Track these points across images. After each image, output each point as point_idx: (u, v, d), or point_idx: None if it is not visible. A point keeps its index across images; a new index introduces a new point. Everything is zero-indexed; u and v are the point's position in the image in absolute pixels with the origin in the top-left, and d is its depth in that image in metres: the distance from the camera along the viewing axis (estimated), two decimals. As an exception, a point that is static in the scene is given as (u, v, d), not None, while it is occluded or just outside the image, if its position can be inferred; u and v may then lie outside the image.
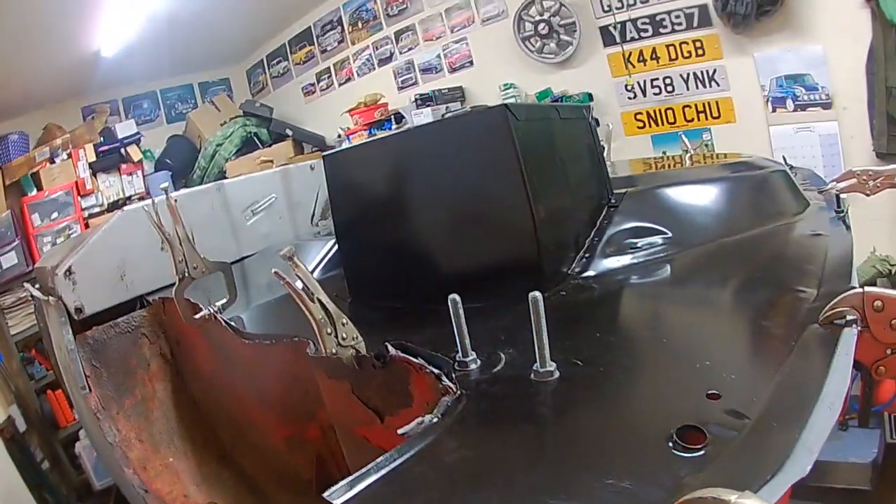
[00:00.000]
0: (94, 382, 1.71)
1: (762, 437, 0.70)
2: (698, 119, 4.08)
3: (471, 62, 4.71)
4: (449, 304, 0.91)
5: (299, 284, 0.93)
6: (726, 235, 1.45)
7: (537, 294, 0.84)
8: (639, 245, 1.40)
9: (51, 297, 1.75)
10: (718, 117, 4.01)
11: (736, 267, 1.36)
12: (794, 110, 3.70)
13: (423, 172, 1.37)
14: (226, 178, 5.11)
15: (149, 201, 1.61)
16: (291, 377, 1.34)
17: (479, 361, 0.93)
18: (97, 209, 4.99)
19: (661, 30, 4.02)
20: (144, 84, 5.91)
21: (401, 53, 5.02)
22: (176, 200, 1.44)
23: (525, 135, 1.24)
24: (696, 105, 4.07)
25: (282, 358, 1.33)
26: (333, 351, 0.96)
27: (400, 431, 0.78)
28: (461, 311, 0.91)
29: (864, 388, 1.06)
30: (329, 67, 5.56)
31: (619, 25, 4.08)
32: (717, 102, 3.99)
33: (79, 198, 4.92)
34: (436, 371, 0.85)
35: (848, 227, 1.50)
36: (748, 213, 1.56)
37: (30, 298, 4.38)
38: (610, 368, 0.93)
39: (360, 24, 5.24)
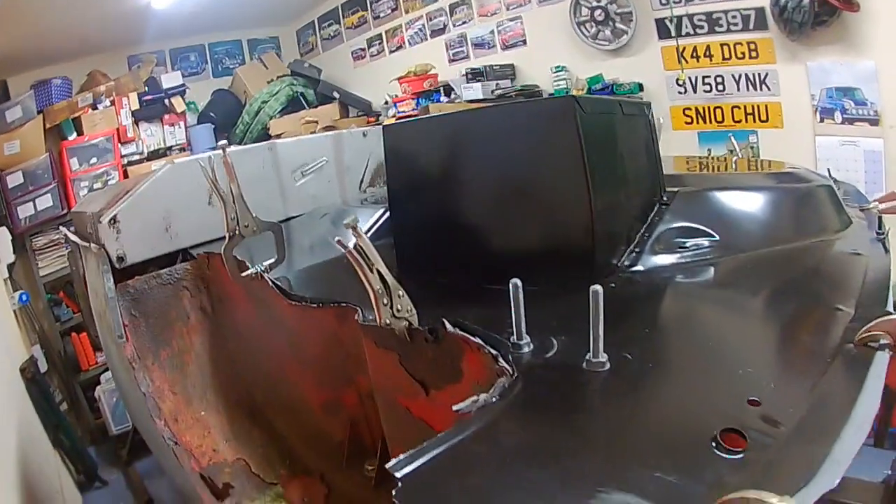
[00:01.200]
0: (131, 332, 1.73)
1: (796, 446, 0.72)
2: (746, 121, 4.03)
3: (524, 41, 4.67)
4: (510, 287, 0.92)
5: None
6: (770, 245, 1.45)
7: (598, 288, 0.85)
8: (686, 245, 1.40)
9: (92, 244, 1.76)
10: (766, 121, 3.96)
11: (778, 278, 1.36)
12: (842, 123, 3.64)
13: (483, 153, 1.38)
14: (269, 135, 5.13)
15: (204, 155, 1.62)
16: (334, 341, 1.36)
17: (532, 345, 0.94)
18: (137, 157, 5.02)
19: (717, 28, 3.97)
20: (192, 37, 5.90)
21: (454, 26, 4.99)
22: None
23: (589, 127, 1.24)
24: (745, 107, 4.02)
25: (326, 321, 1.35)
26: (387, 321, 0.97)
27: (455, 408, 0.80)
28: (521, 296, 0.92)
29: (884, 410, 1.07)
30: (381, 34, 5.53)
31: (675, 19, 4.03)
32: (766, 106, 3.94)
33: (119, 145, 4.94)
34: (493, 352, 0.87)
35: (887, 250, 1.49)
36: (792, 225, 1.56)
37: (63, 242, 4.46)
38: (658, 365, 0.94)
39: (415, -7, 5.21)
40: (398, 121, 1.65)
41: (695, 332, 1.10)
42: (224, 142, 1.52)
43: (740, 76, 3.96)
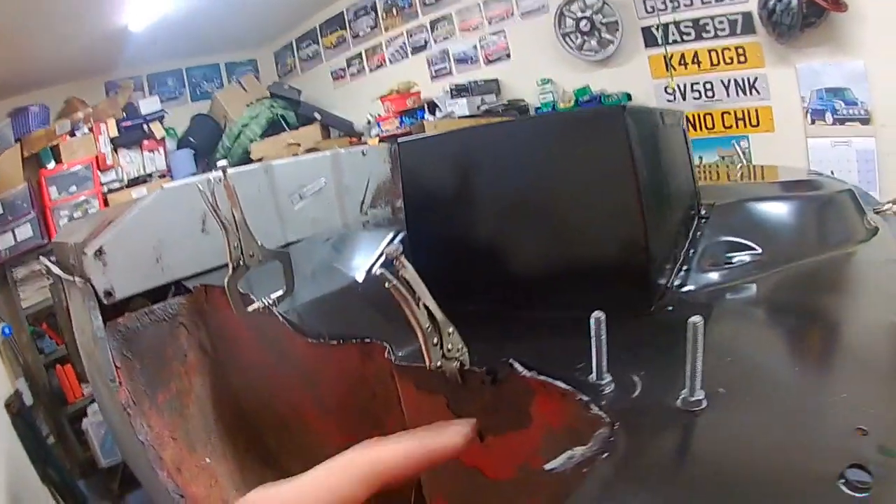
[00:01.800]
0: (124, 374, 1.58)
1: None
2: (737, 126, 4.04)
3: (508, 55, 4.64)
4: (591, 321, 0.80)
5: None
6: (807, 256, 1.36)
7: (698, 320, 0.74)
8: (733, 260, 1.31)
9: (76, 278, 1.62)
10: (757, 126, 3.98)
11: (830, 292, 1.27)
12: (833, 124, 3.69)
13: (513, 169, 1.26)
14: (251, 159, 5.08)
15: (200, 178, 1.50)
16: (358, 381, 1.24)
17: (613, 385, 0.83)
18: (117, 185, 4.99)
19: (704, 34, 3.98)
20: (170, 62, 5.93)
21: (435, 42, 4.94)
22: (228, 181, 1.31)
23: (638, 139, 1.14)
24: (735, 112, 4.02)
25: (349, 360, 1.22)
26: (438, 364, 0.86)
27: (548, 467, 0.68)
28: (603, 330, 0.81)
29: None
30: (360, 53, 5.51)
31: (661, 27, 4.00)
32: (756, 111, 3.94)
33: (99, 172, 4.88)
34: (585, 398, 0.74)
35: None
36: (826, 235, 1.47)
37: (44, 273, 4.30)
38: (754, 398, 0.83)
39: (394, 12, 5.17)
40: (411, 137, 1.53)
41: (775, 358, 0.98)
42: (224, 162, 1.40)
43: (729, 81, 3.95)
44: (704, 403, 0.77)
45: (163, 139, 5.26)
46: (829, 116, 3.67)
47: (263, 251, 1.32)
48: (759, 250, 1.33)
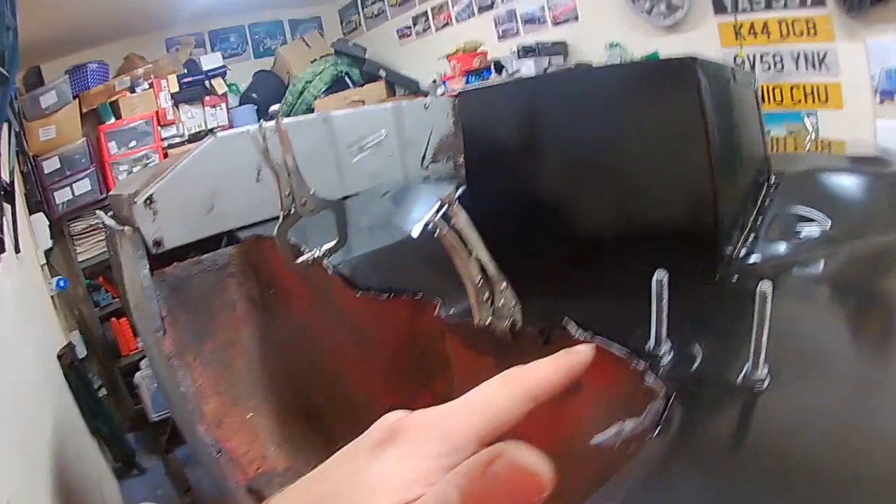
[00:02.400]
0: (170, 324, 1.57)
1: None
2: (805, 101, 3.86)
3: (576, 17, 4.47)
4: (653, 283, 0.75)
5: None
6: (880, 233, 1.28)
7: (767, 287, 0.68)
8: (801, 233, 1.24)
9: (126, 228, 1.61)
10: (826, 102, 3.80)
11: None
12: None
13: (576, 122, 1.20)
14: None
15: (254, 125, 1.48)
16: (408, 338, 1.20)
17: (672, 354, 0.78)
18: (178, 140, 4.97)
19: (775, 3, 3.79)
20: (232, 18, 5.82)
21: (503, 2, 4.81)
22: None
23: (710, 93, 1.06)
24: (804, 87, 3.84)
25: (399, 316, 1.18)
26: (488, 322, 0.82)
27: (594, 441, 0.65)
28: (665, 293, 0.76)
29: None
30: (426, 11, 5.38)
31: (732, -7, 3.86)
32: (825, 87, 3.77)
33: (159, 127, 4.89)
34: (640, 365, 0.70)
35: None
36: None
37: (101, 227, 4.33)
38: (818, 379, 0.77)
39: (462, -31, 5.04)
40: (472, 87, 1.47)
41: (841, 339, 0.92)
42: (276, 106, 1.36)
43: (798, 55, 3.78)
44: (767, 382, 0.72)
45: (224, 95, 5.21)
46: (899, 98, 3.52)
47: (316, 200, 1.28)
48: (829, 224, 1.25)
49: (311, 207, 1.27)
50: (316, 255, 1.28)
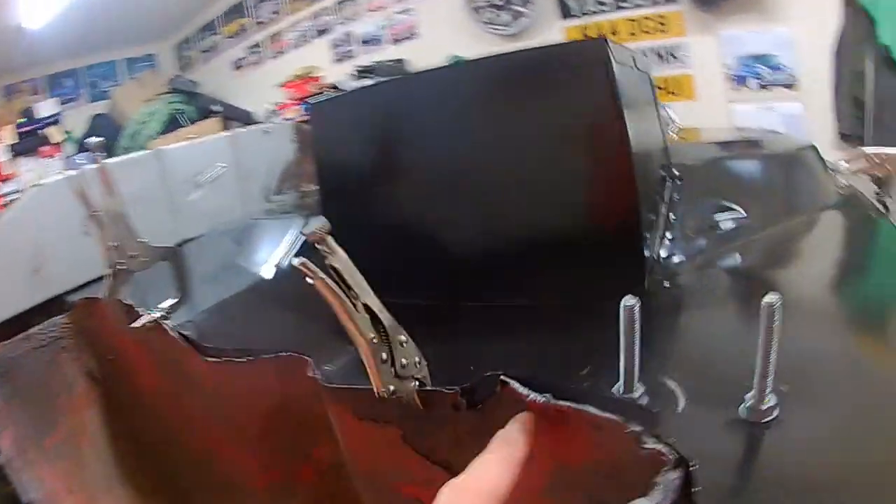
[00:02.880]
0: (6, 417, 1.28)
1: None
2: (659, 95, 3.90)
3: (416, 33, 4.38)
4: (621, 311, 0.56)
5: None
6: (791, 218, 1.22)
7: (774, 298, 0.52)
8: (720, 226, 1.12)
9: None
10: (678, 94, 3.89)
11: (835, 255, 1.13)
12: (758, 89, 3.66)
13: (457, 124, 1.03)
14: (151, 158, 4.75)
15: (72, 171, 1.23)
16: (277, 406, 0.97)
17: (646, 398, 0.60)
18: (18, 196, 4.51)
19: (624, 3, 3.84)
20: (68, 61, 5.52)
21: (340, 24, 4.66)
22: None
23: (620, 79, 0.91)
24: (657, 81, 3.88)
25: (263, 381, 0.94)
26: (391, 388, 0.61)
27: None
28: (637, 323, 0.57)
29: None
30: (261, 41, 5.20)
31: (579, -4, 3.88)
32: (677, 79, 3.86)
33: (-1, 183, 4.46)
34: (636, 428, 0.49)
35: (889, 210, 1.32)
36: (805, 193, 1.34)
37: None
38: (824, 395, 0.62)
39: (299, -6, 4.89)
40: (325, 96, 1.26)
41: (821, 342, 0.78)
42: (94, 139, 1.13)
43: (648, 52, 3.83)
44: (777, 410, 0.56)
45: (60, 143, 4.87)
46: (753, 83, 3.65)
47: (148, 249, 1.07)
48: (744, 213, 1.15)
49: (144, 259, 1.06)
50: (154, 317, 1.04)
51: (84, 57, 5.61)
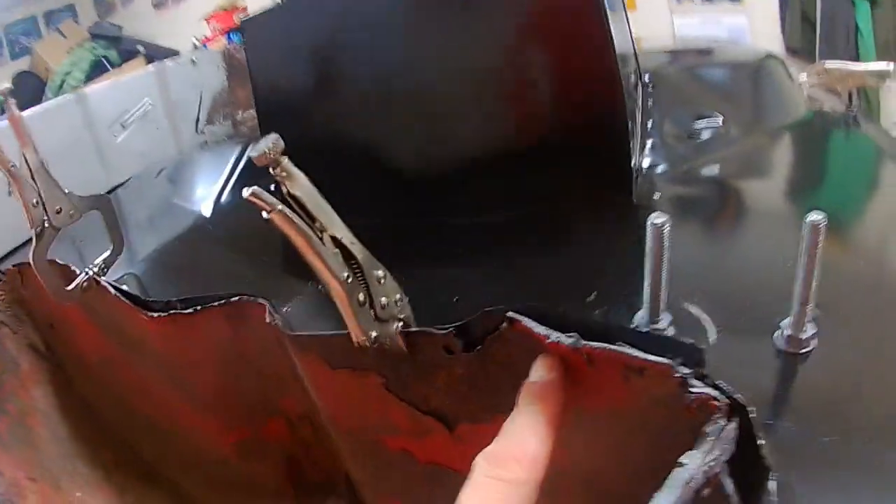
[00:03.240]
0: None
1: None
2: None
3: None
4: (648, 230, 0.48)
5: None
6: (770, 125, 1.16)
7: (819, 217, 0.45)
8: (698, 131, 1.05)
9: None
10: (621, 6, 3.80)
11: (823, 163, 1.09)
12: (701, 2, 3.62)
13: (414, 21, 0.93)
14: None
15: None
16: (232, 358, 0.87)
17: (673, 328, 0.52)
18: None
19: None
20: None
21: (266, -50, 4.44)
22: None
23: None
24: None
25: (213, 332, 0.83)
26: (373, 335, 0.52)
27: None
28: (666, 243, 0.48)
29: None
30: (180, -25, 4.98)
31: None
32: (613, -11, 3.76)
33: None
34: (684, 370, 0.40)
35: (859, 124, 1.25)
36: (779, 102, 1.28)
37: None
38: (862, 314, 0.55)
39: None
40: (259, 12, 1.12)
41: (839, 250, 0.71)
42: (6, 85, 1.00)
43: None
44: (816, 339, 0.50)
45: (-18, 104, 4.60)
46: (696, -5, 3.60)
47: (74, 201, 0.94)
48: (721, 119, 1.09)
49: (71, 212, 0.93)
50: (90, 274, 0.93)
51: (3, 14, 5.29)
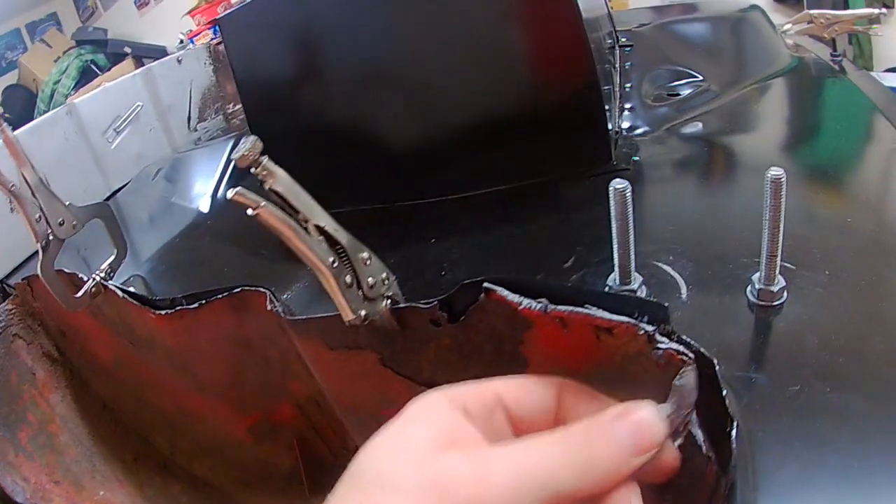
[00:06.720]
0: None
1: None
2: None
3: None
4: (611, 195, 0.50)
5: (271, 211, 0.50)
6: (751, 82, 1.15)
7: (779, 172, 0.47)
8: (678, 92, 1.06)
9: None
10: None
11: (802, 117, 1.07)
12: None
13: (389, 3, 0.94)
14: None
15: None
16: (238, 347, 0.90)
17: (645, 288, 0.54)
18: None
19: None
20: None
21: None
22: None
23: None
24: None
25: (218, 324, 0.87)
26: (362, 314, 0.54)
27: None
28: (630, 207, 0.51)
29: None
30: (162, -26, 4.95)
31: None
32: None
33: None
34: (647, 327, 0.43)
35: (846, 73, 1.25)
36: (760, 55, 1.28)
37: None
38: (831, 270, 0.57)
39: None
40: (233, 8, 1.13)
41: (819, 208, 0.73)
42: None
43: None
44: (786, 292, 0.52)
45: (-27, 122, 4.58)
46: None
47: (75, 212, 0.97)
48: (702, 77, 1.10)
49: (73, 223, 0.96)
50: (97, 280, 0.96)
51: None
